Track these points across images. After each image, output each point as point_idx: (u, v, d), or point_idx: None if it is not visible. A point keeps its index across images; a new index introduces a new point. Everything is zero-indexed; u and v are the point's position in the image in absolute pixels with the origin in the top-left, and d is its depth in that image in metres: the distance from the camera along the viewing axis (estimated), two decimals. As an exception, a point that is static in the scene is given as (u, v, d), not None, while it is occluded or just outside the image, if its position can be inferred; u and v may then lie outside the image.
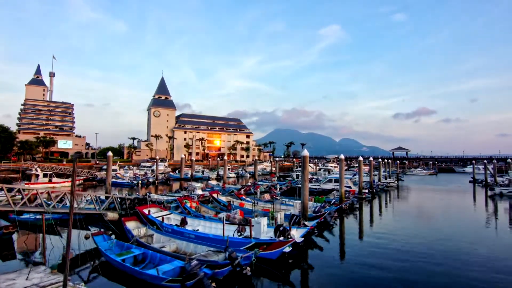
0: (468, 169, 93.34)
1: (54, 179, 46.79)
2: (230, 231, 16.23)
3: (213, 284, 10.42)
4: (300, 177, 28.65)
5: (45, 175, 46.34)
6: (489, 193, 42.38)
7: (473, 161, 74.86)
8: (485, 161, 67.15)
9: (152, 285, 10.75)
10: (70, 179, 50.18)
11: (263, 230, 15.69)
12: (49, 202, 19.04)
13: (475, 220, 25.93)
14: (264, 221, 16.13)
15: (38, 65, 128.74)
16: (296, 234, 15.92)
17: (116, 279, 11.84)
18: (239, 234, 16.03)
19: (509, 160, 59.99)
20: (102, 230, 16.77)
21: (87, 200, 20.95)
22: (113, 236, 15.08)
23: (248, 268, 11.67)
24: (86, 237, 16.21)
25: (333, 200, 28.76)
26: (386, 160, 74.40)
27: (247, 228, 15.82)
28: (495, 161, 60.41)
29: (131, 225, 17.28)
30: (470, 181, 63.03)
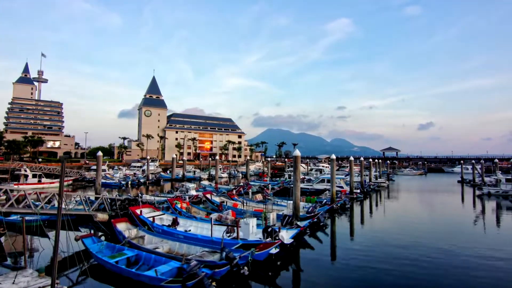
0: (457, 169, 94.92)
1: (44, 180, 45.92)
2: (221, 231, 16.17)
3: (214, 284, 10.55)
4: (292, 177, 28.79)
5: (34, 176, 45.46)
6: (477, 192, 43.10)
7: (461, 161, 76.16)
8: (473, 161, 68.34)
9: (150, 286, 10.66)
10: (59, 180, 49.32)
11: (252, 231, 15.64)
12: (37, 203, 18.67)
13: (464, 219, 26.36)
14: (253, 222, 16.03)
15: (26, 63, 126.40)
16: (286, 235, 15.79)
17: (107, 281, 11.66)
18: (228, 235, 15.91)
19: (496, 160, 61.22)
20: (91, 232, 16.55)
21: (76, 201, 20.58)
22: (102, 238, 14.87)
23: (245, 267, 11.83)
24: (76, 239, 15.96)
25: (325, 200, 28.89)
26: (376, 160, 75.11)
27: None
28: (483, 161, 61.56)
29: (121, 226, 17.07)
30: (458, 181, 64.03)
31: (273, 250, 13.84)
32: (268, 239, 14.30)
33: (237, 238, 14.85)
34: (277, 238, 14.45)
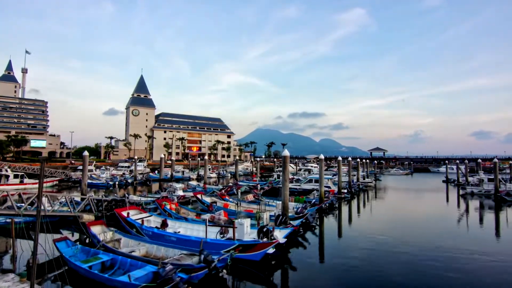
0: (442, 169, 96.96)
1: (26, 180, 44.72)
2: (213, 232, 16.00)
3: None
4: (281, 177, 28.87)
5: (16, 176, 44.20)
6: (461, 192, 44.04)
7: (446, 162, 77.83)
8: (457, 161, 69.98)
9: None
10: (44, 180, 48.07)
11: (246, 231, 15.49)
12: (20, 204, 18.15)
13: (449, 218, 26.89)
14: (247, 222, 15.89)
15: (10, 60, 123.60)
16: (279, 235, 15.87)
17: (83, 287, 11.10)
18: (222, 235, 15.79)
19: (479, 160, 62.78)
20: (73, 234, 15.98)
21: (60, 202, 20.11)
22: (86, 240, 14.38)
23: (224, 270, 11.51)
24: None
25: (313, 200, 29.05)
26: (364, 160, 76.01)
27: (230, 230, 15.60)
28: (467, 162, 63.06)
29: (96, 229, 16.08)
30: (443, 181, 65.41)
31: (270, 250, 13.85)
32: (264, 239, 14.25)
33: (234, 239, 14.63)
34: (272, 238, 14.42)
